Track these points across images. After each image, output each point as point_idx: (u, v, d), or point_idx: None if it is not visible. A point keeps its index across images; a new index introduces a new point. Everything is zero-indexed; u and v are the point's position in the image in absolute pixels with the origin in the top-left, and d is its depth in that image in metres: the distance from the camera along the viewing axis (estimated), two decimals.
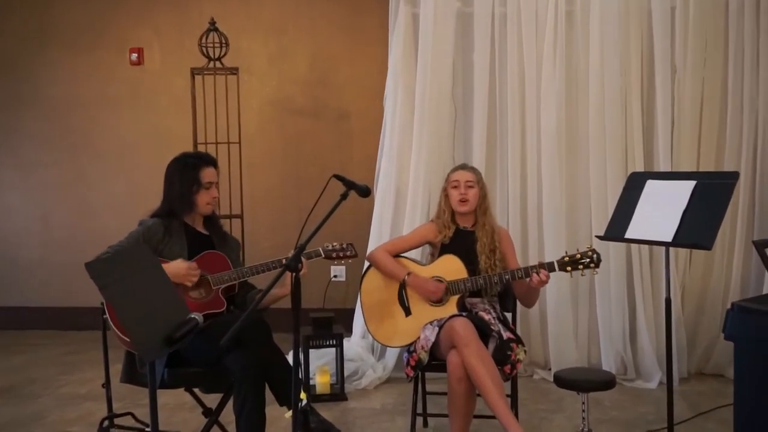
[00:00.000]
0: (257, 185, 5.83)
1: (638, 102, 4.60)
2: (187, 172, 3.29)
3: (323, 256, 3.40)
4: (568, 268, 3.30)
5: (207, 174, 3.31)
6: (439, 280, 3.45)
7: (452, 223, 3.61)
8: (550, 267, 3.31)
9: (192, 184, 3.28)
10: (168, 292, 2.42)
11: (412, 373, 3.35)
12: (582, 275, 3.35)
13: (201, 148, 5.18)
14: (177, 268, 3.12)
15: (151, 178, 3.37)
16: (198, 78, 5.29)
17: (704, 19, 4.57)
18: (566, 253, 3.35)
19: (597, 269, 3.31)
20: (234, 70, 5.25)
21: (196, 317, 2.44)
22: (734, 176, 3.04)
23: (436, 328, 3.31)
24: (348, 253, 3.46)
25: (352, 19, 5.83)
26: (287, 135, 5.92)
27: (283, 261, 3.24)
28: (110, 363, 3.60)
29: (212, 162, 3.38)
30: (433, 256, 3.63)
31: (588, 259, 3.28)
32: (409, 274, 3.49)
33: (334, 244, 3.43)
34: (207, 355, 3.02)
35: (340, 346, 4.29)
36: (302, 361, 4.06)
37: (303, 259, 2.96)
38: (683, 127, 4.58)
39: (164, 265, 2.92)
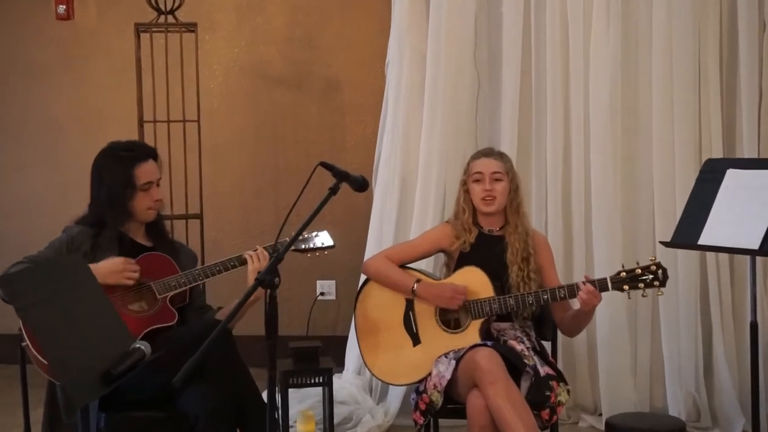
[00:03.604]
0: (222, 176, 5.84)
1: (716, 68, 4.61)
2: (116, 171, 3.28)
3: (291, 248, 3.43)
4: (626, 287, 3.31)
5: (144, 171, 3.31)
6: None
7: (474, 226, 3.62)
8: (601, 285, 3.32)
9: (124, 186, 3.27)
10: (106, 314, 2.44)
11: (421, 420, 3.37)
12: (643, 296, 3.36)
13: (148, 128, 5.18)
14: (111, 264, 3.15)
15: (85, 167, 3.37)
16: (144, 37, 5.28)
17: None
18: (623, 267, 3.36)
19: (662, 289, 3.32)
20: (191, 27, 5.25)
21: (142, 347, 2.46)
22: None
23: (453, 362, 3.32)
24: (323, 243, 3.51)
25: None
26: (261, 111, 5.93)
27: (245, 255, 3.28)
28: (31, 406, 3.61)
29: (150, 154, 3.38)
30: (449, 268, 3.64)
31: (651, 276, 3.29)
32: (418, 281, 3.51)
33: (304, 234, 3.46)
34: (158, 392, 3.02)
35: (328, 385, 4.29)
36: (279, 405, 4.06)
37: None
38: None
39: (92, 266, 2.95)
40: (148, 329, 3.18)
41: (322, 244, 3.51)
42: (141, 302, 3.26)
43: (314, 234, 3.51)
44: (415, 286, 3.51)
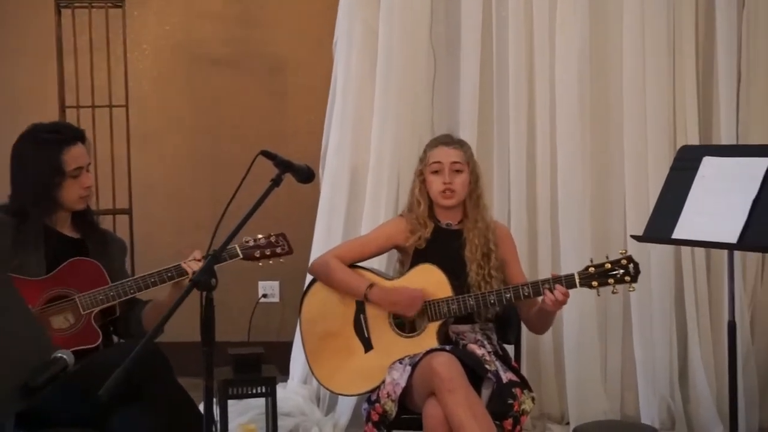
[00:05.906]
0: (153, 167, 5.79)
1: (691, 46, 4.65)
2: (41, 157, 3.23)
3: (241, 256, 3.40)
4: (594, 283, 3.34)
5: (73, 155, 3.26)
6: None
7: (430, 220, 3.63)
8: (568, 281, 3.34)
9: (52, 173, 3.22)
10: (23, 320, 2.40)
11: None
12: (614, 292, 3.39)
13: (71, 114, 5.13)
14: None
15: (1, 158, 3.32)
16: (66, 13, 5.22)
17: None
18: (591, 261, 3.39)
19: (634, 284, 3.35)
20: (118, 2, 5.20)
21: (64, 356, 2.43)
22: None
23: (408, 368, 3.33)
24: (278, 250, 3.49)
25: None
26: (196, 95, 5.89)
27: (184, 266, 3.26)
28: None
29: (78, 136, 3.33)
30: (403, 265, 3.65)
31: (621, 270, 3.32)
32: (371, 285, 3.51)
33: (258, 236, 3.44)
34: (82, 412, 2.99)
35: (272, 396, 4.28)
36: (218, 418, 4.04)
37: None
38: (755, 82, 4.65)
39: None
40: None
41: (278, 250, 3.48)
42: (66, 314, 3.19)
43: (267, 237, 3.47)
44: (368, 291, 3.51)
